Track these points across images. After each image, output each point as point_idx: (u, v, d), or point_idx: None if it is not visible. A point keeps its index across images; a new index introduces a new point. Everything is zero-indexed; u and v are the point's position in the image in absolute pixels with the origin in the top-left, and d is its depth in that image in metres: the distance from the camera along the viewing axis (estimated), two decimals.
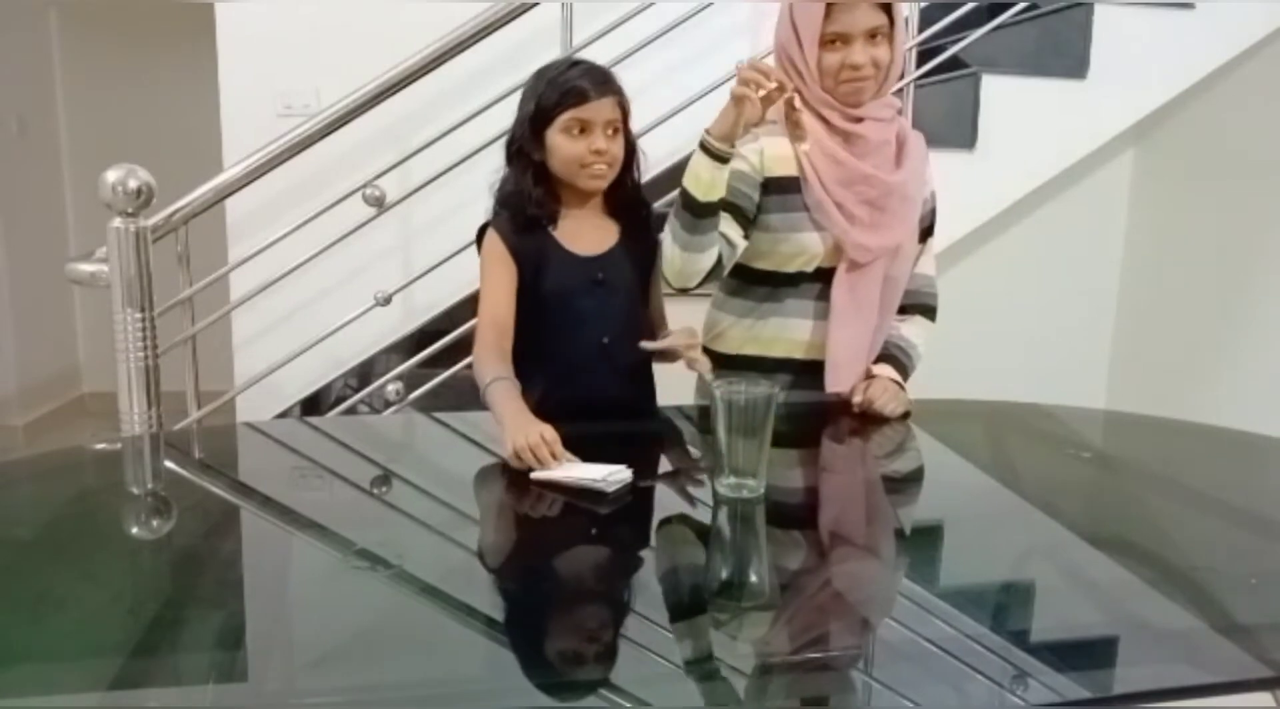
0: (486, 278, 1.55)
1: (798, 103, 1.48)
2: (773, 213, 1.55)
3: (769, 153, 1.54)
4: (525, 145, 1.53)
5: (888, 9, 1.48)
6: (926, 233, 1.66)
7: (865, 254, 1.54)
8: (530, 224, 1.53)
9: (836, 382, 1.57)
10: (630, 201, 1.59)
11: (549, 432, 1.29)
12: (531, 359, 1.52)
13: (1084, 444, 1.69)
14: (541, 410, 1.38)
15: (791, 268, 1.57)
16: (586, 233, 1.56)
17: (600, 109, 1.48)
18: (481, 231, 1.57)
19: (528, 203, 1.52)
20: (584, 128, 1.48)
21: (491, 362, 1.48)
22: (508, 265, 1.53)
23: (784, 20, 1.54)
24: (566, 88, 1.49)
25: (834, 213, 1.52)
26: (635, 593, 1.06)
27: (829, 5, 1.46)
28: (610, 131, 1.50)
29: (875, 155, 1.54)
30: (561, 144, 1.50)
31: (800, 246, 1.55)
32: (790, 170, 1.54)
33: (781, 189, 1.54)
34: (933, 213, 1.66)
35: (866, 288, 1.56)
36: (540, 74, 1.55)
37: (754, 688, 0.89)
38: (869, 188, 1.52)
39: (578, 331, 1.54)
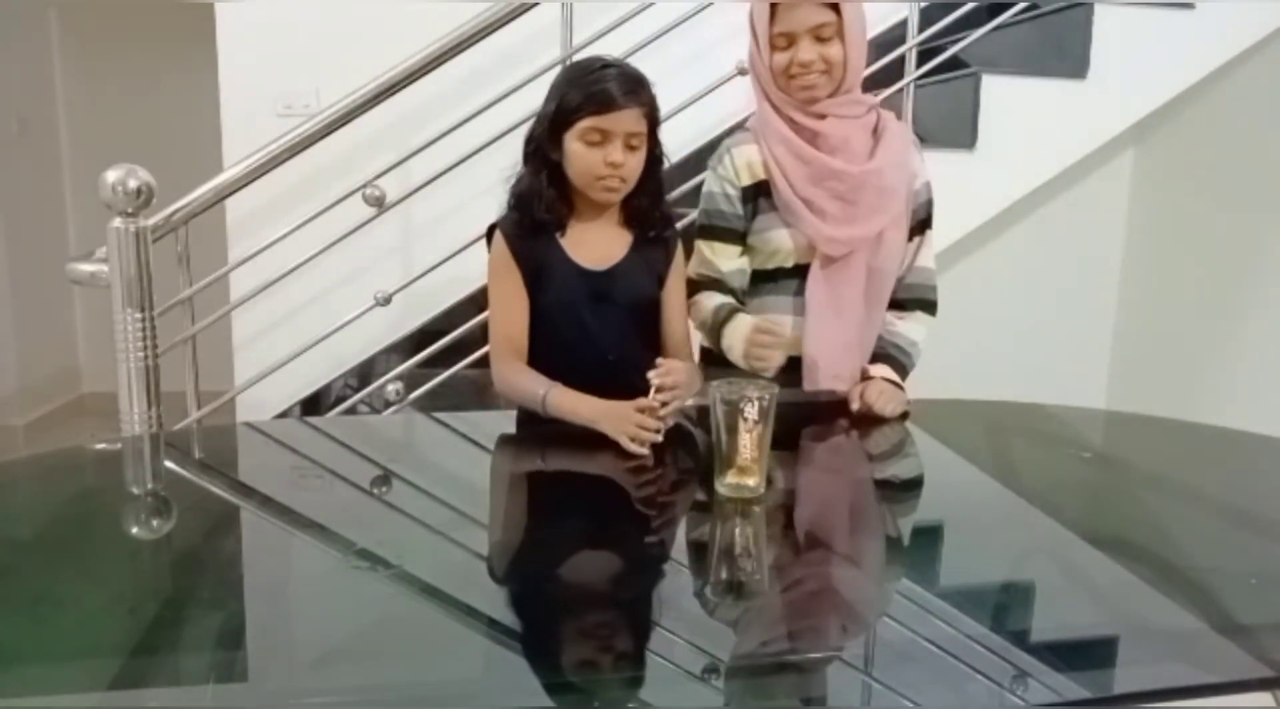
0: (495, 289, 1.51)
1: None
2: (751, 217, 1.58)
3: (739, 162, 1.57)
4: (543, 145, 1.47)
5: (835, 6, 1.47)
6: (924, 225, 1.64)
7: (837, 247, 1.54)
8: (537, 228, 1.48)
9: (813, 380, 1.57)
10: (646, 214, 1.52)
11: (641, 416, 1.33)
12: (537, 369, 1.48)
13: (1084, 444, 1.69)
14: (544, 418, 1.36)
15: (769, 265, 1.59)
16: (596, 243, 1.51)
17: (623, 120, 1.42)
18: (490, 231, 1.53)
19: (537, 206, 1.47)
20: (603, 137, 1.42)
21: (524, 375, 1.47)
22: (514, 274, 1.49)
23: (749, 27, 1.56)
24: (591, 92, 1.42)
25: (802, 210, 1.53)
26: (634, 593, 1.06)
27: (774, 5, 1.48)
28: (630, 144, 1.43)
29: (844, 150, 1.53)
30: (578, 152, 1.43)
31: (773, 244, 1.56)
32: (761, 175, 1.56)
33: (757, 194, 1.56)
34: (928, 205, 1.64)
35: (846, 283, 1.56)
36: (569, 71, 1.49)
37: (754, 688, 0.89)
38: (838, 182, 1.52)
39: (582, 346, 1.49)
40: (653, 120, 1.47)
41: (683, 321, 1.59)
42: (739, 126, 1.65)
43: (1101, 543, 1.20)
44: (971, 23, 2.38)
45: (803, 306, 1.57)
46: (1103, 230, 2.94)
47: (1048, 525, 1.27)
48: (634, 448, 1.33)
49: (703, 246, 1.60)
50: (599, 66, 1.46)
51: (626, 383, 1.43)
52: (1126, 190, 2.94)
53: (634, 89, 1.43)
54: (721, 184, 1.58)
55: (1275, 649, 0.96)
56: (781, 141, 1.54)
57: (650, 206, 1.52)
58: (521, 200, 1.50)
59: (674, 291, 1.57)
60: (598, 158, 1.43)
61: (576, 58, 2.24)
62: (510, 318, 1.50)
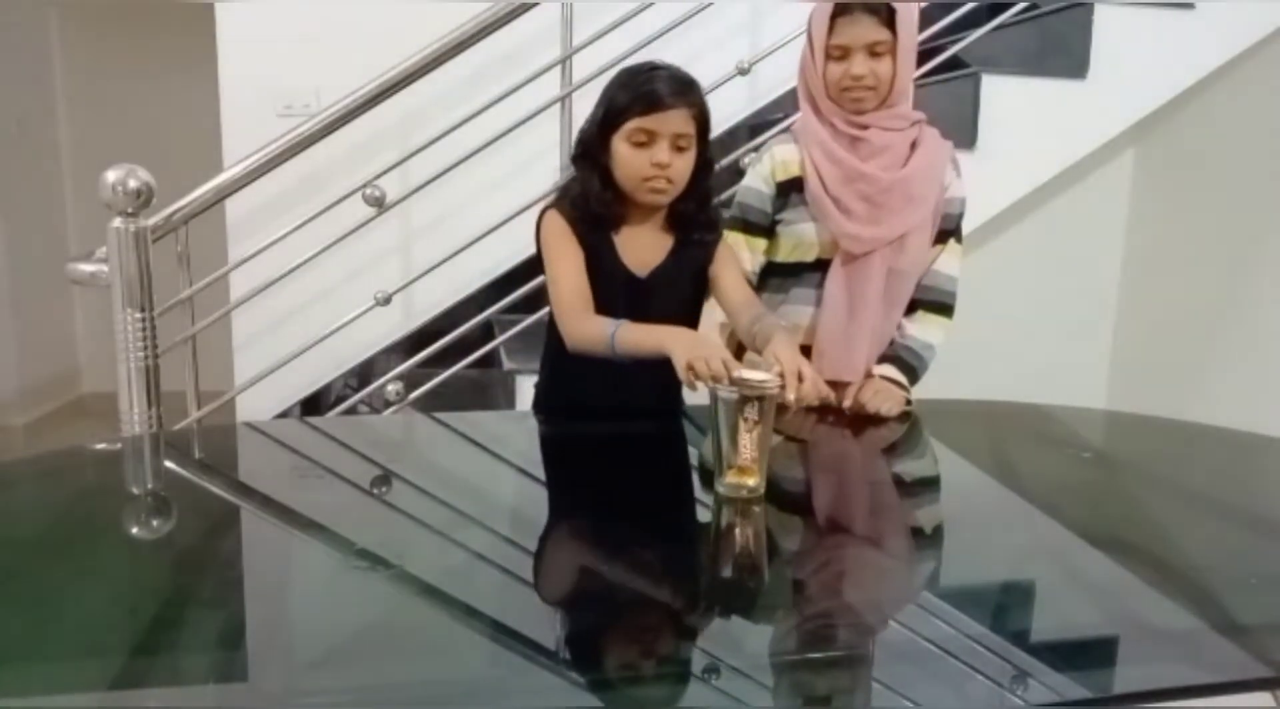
0: (555, 253, 1.47)
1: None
2: (781, 211, 1.63)
3: (778, 159, 1.63)
4: (592, 148, 1.46)
5: (891, 25, 1.53)
6: (950, 235, 1.68)
7: (858, 244, 1.59)
8: (592, 222, 1.47)
9: (819, 370, 1.57)
10: (692, 218, 1.51)
11: (722, 350, 1.23)
12: (569, 360, 1.47)
13: (1084, 444, 1.69)
14: (572, 409, 1.34)
15: (792, 257, 1.64)
16: (643, 244, 1.50)
17: (669, 120, 1.40)
18: (540, 218, 1.51)
19: (595, 203, 1.46)
20: (649, 138, 1.41)
21: (592, 322, 1.41)
22: (573, 241, 1.46)
23: (806, 36, 1.61)
24: (638, 93, 1.41)
25: (830, 207, 1.58)
26: (633, 592, 1.06)
27: (834, 19, 1.54)
28: (678, 146, 1.42)
29: (879, 158, 1.58)
30: (625, 154, 1.42)
31: (798, 236, 1.62)
32: (795, 172, 1.62)
33: (789, 189, 1.62)
34: (958, 218, 1.68)
35: (864, 281, 1.60)
36: (620, 75, 1.47)
37: (754, 688, 0.89)
38: (866, 185, 1.58)
39: None
40: (702, 123, 1.45)
41: (743, 287, 1.54)
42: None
43: (1101, 543, 1.20)
44: (971, 23, 2.39)
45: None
46: (1103, 230, 2.95)
47: (1047, 525, 1.27)
48: (687, 377, 1.24)
49: (730, 237, 1.64)
50: (648, 68, 1.45)
51: (658, 378, 1.42)
52: (1126, 190, 2.94)
53: (682, 90, 1.42)
54: (756, 181, 1.65)
55: (1275, 649, 0.96)
56: (818, 144, 1.60)
57: (697, 211, 1.51)
58: (578, 201, 1.48)
59: (724, 272, 1.53)
60: (644, 159, 1.41)
61: (576, 58, 2.26)
62: (574, 276, 1.45)
